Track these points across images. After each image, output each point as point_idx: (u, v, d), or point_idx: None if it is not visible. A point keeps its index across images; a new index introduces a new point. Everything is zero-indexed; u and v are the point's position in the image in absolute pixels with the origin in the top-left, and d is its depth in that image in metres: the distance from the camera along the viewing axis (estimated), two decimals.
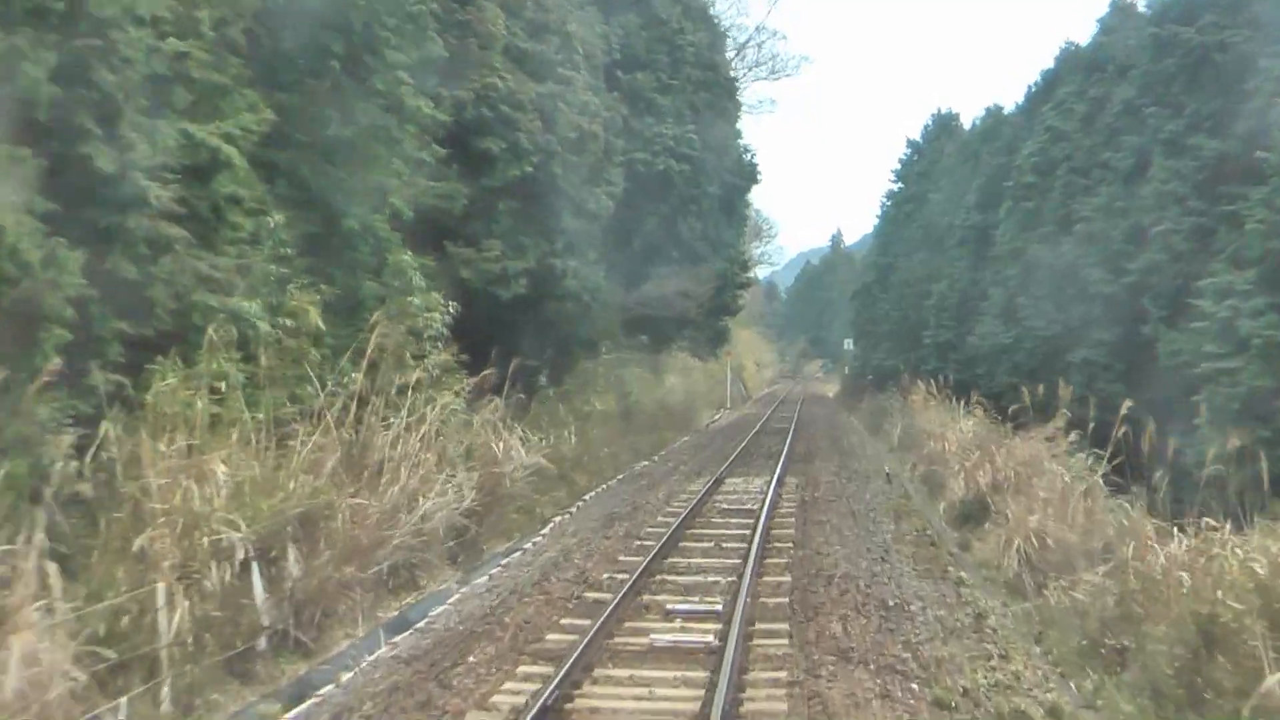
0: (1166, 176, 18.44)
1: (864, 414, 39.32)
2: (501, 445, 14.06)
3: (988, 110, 37.53)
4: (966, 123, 48.37)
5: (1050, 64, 32.77)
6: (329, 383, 10.97)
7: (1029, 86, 35.19)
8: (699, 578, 10.48)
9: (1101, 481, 11.78)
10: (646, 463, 23.04)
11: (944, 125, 49.12)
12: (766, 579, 10.37)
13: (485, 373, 13.35)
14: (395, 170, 12.38)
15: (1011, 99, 43.29)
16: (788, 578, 10.45)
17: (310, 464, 9.80)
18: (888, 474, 20.02)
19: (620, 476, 20.28)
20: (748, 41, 43.20)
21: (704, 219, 27.57)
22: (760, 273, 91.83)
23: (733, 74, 33.92)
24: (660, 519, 14.30)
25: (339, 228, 12.24)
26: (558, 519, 15.51)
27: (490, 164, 15.05)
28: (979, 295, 28.83)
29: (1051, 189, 24.01)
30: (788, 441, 26.20)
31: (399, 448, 11.49)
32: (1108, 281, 19.68)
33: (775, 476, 18.28)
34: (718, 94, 28.14)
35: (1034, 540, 11.01)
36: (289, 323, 10.76)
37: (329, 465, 9.87)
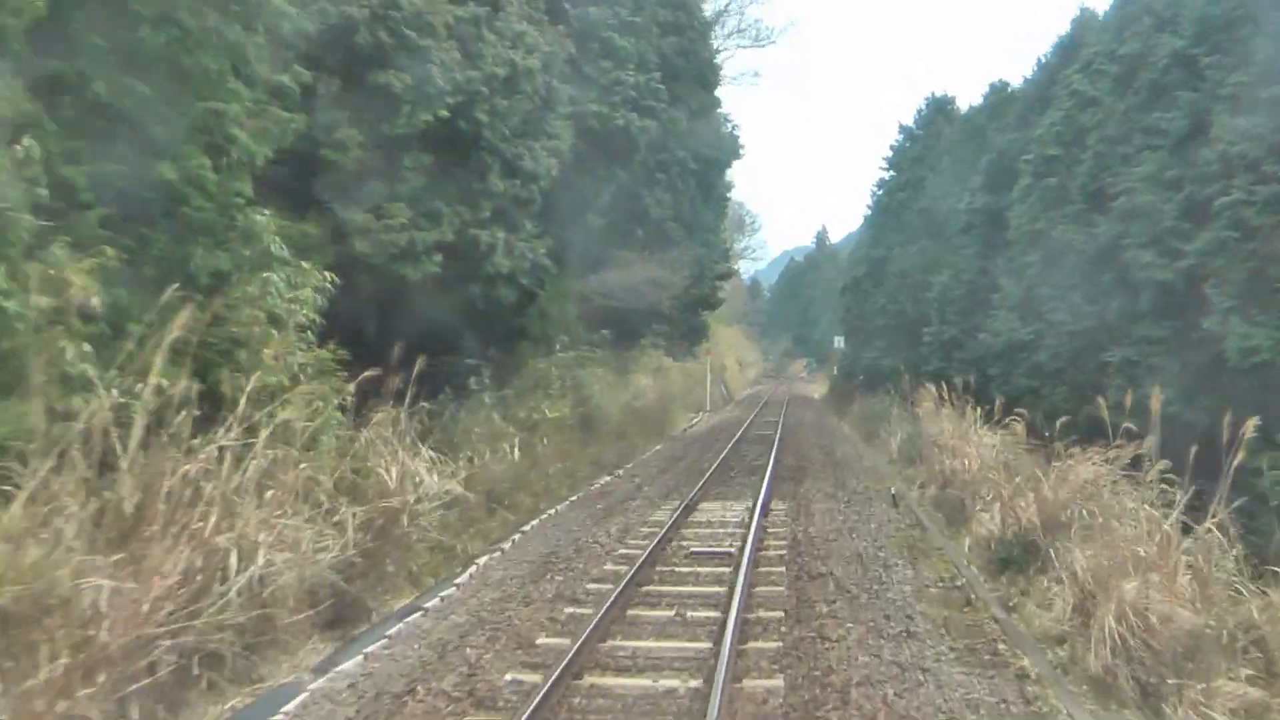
0: (1234, 137, 15.19)
1: (855, 418, 36.04)
2: (397, 470, 10.58)
3: (992, 86, 34.33)
4: (962, 106, 45.64)
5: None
6: (113, 389, 7.49)
7: (1039, 59, 32.08)
8: (646, 681, 7.07)
9: (1217, 531, 8.42)
10: (608, 478, 19.65)
11: (940, 108, 46.05)
12: (748, 685, 6.97)
13: (367, 374, 9.88)
14: (235, 93, 8.89)
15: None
16: (779, 681, 7.05)
17: (38, 523, 6.33)
18: (894, 495, 16.71)
19: (573, 499, 16.87)
20: (728, 7, 39.53)
21: (675, 193, 23.99)
22: (743, 269, 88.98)
23: (712, 41, 30.23)
24: (608, 567, 10.91)
25: (154, 171, 8.76)
26: (483, 560, 12.12)
27: (392, 105, 11.58)
28: (989, 286, 25.56)
29: (1079, 162, 20.75)
30: (773, 452, 22.89)
31: (221, 482, 8.03)
32: (1158, 265, 16.42)
33: (759, 501, 14.94)
34: (691, 40, 24.41)
35: (1132, 617, 7.66)
36: (43, 302, 7.30)
37: (68, 523, 6.38)
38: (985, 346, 24.48)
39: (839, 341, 44.95)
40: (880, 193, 48.15)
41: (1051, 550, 9.97)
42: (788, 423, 33.67)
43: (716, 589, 9.77)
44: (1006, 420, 16.88)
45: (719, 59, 30.51)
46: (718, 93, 28.90)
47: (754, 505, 14.69)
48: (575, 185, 15.66)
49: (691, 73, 24.22)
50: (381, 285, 12.08)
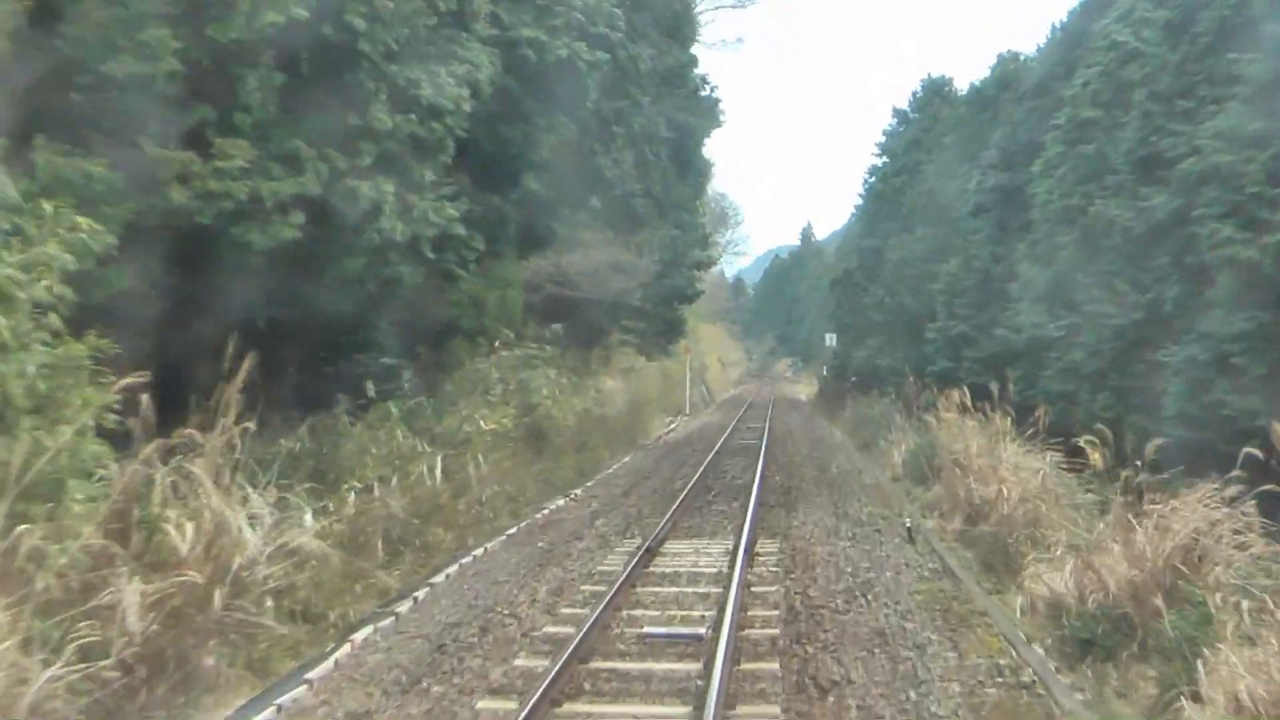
0: None
1: (849, 424, 32.79)
2: (200, 526, 7.14)
3: (1000, 57, 31.26)
4: (960, 88, 42.88)
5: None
6: None
7: (1054, 25, 29.05)
8: None
9: None
10: (561, 502, 16.29)
11: (937, 90, 43.11)
12: None
13: (130, 380, 6.41)
14: None
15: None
16: None
17: None
18: (909, 529, 13.41)
19: (511, 532, 13.51)
20: None
21: (641, 155, 20.33)
22: (726, 264, 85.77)
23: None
24: (520, 663, 7.50)
25: None
26: (363, 634, 8.78)
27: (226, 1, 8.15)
28: (1004, 275, 22.34)
29: (1121, 125, 17.52)
30: (759, 466, 19.57)
31: None
32: (1239, 241, 13.17)
33: (742, 539, 11.60)
34: None
35: None
36: None
37: None
38: (1002, 344, 21.26)
39: (830, 339, 41.64)
40: (873, 180, 45.10)
41: (1189, 653, 6.60)
42: (774, 429, 30.38)
43: (676, 709, 6.39)
44: (1033, 429, 13.73)
45: (696, 11, 26.57)
46: (695, 51, 25.33)
47: (735, 547, 11.37)
48: (504, 135, 12.28)
49: (660, 5, 20.41)
50: (219, 255, 8.62)
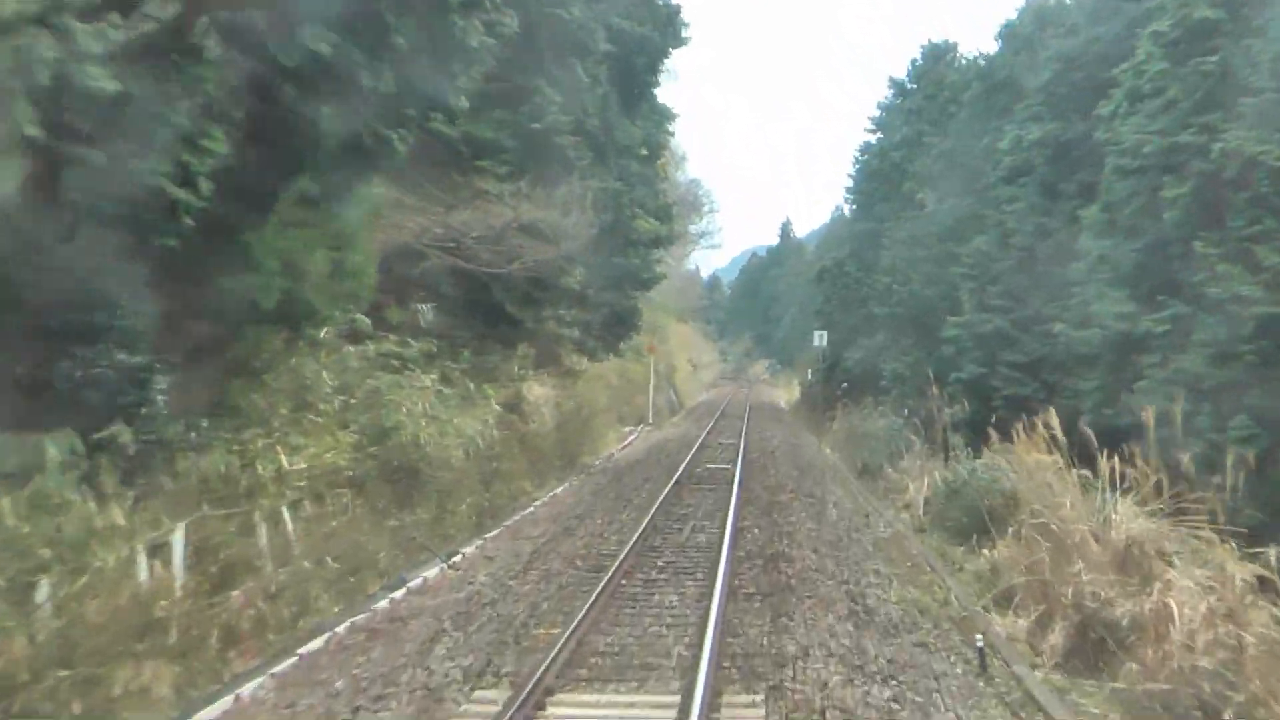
0: None
1: (840, 439, 27.34)
2: None
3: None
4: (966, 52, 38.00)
5: None
6: None
7: None
8: None
9: None
10: (433, 573, 10.73)
11: (939, 56, 38.14)
12: None
13: None
14: None
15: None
16: None
17: None
18: (980, 650, 7.94)
19: (304, 654, 7.90)
20: None
21: (570, 83, 14.56)
22: (700, 259, 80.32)
23: None
24: None
25: None
26: None
27: None
28: (1056, 252, 16.94)
29: (1258, 29, 12.15)
30: (730, 510, 13.99)
31: None
32: None
33: (694, 705, 6.06)
34: None
35: None
36: None
37: None
38: (1059, 344, 15.88)
39: (820, 338, 36.12)
40: (866, 158, 39.93)
41: None
42: (750, 445, 24.77)
43: None
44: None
45: None
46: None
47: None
48: None
49: None
50: None
